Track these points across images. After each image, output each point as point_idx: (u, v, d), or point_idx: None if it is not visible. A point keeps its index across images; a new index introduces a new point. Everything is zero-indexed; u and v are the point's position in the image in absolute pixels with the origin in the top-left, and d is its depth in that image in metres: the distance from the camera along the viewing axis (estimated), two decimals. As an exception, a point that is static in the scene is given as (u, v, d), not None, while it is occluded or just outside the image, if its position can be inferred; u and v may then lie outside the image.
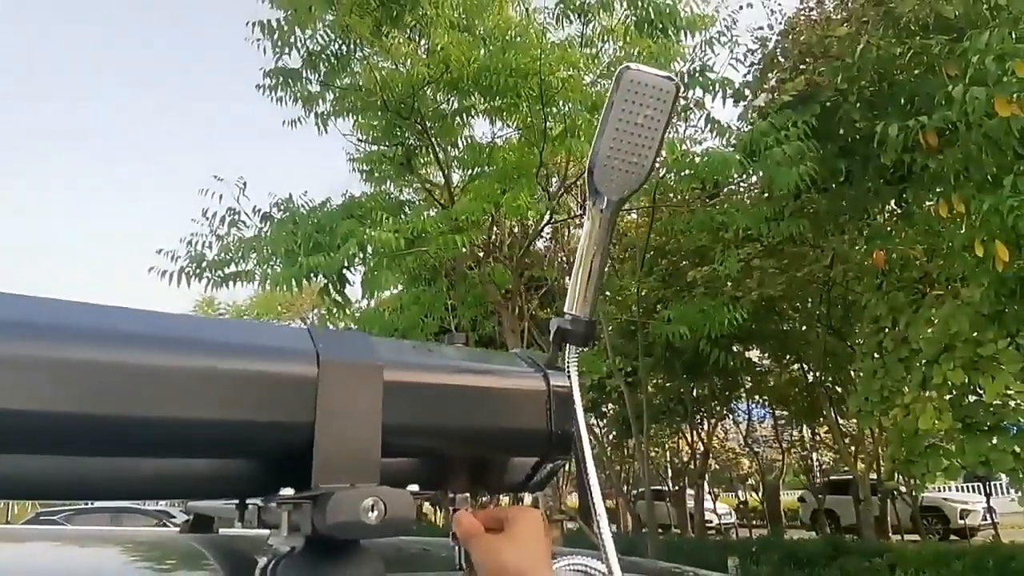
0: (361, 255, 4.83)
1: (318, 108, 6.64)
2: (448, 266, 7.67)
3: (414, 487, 0.55)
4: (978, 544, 10.70)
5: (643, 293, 8.95)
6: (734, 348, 12.20)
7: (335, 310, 5.70)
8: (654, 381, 11.53)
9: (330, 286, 5.26)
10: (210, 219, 5.83)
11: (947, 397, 4.59)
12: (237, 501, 0.67)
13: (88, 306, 0.50)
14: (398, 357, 0.62)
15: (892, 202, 5.54)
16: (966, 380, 4.41)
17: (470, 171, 7.66)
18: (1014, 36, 3.86)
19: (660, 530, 15.06)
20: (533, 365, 0.71)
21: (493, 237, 6.96)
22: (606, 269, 0.81)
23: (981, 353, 4.32)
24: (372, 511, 0.50)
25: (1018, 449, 4.39)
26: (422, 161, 7.92)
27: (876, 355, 5.69)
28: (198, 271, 5.84)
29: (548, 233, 9.84)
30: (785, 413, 15.01)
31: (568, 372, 0.72)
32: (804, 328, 11.30)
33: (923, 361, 4.89)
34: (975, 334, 4.53)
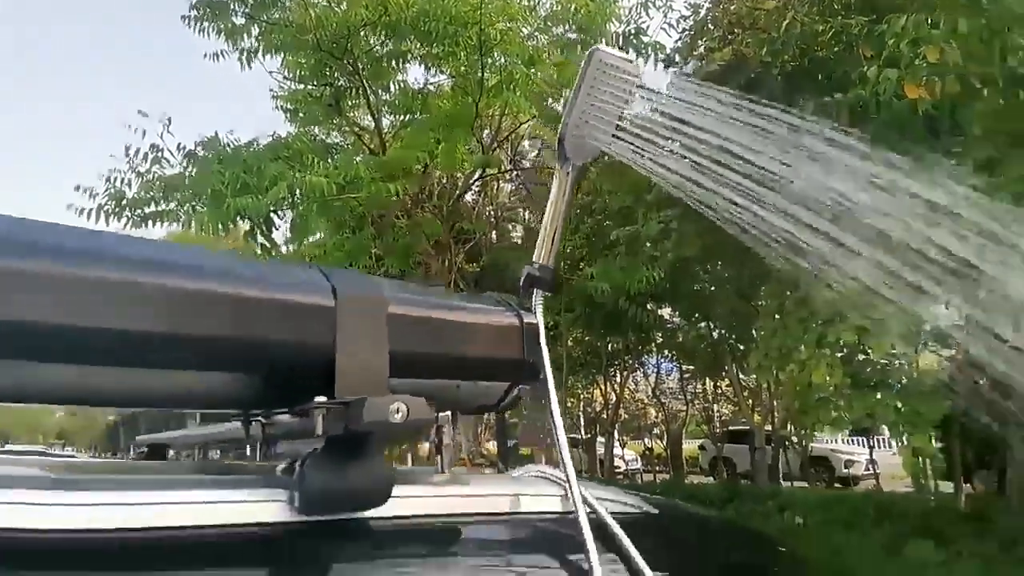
0: (290, 199, 4.74)
1: (243, 43, 6.37)
2: (375, 214, 7.60)
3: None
4: (860, 491, 11.82)
5: (568, 251, 9.19)
6: (648, 306, 12.78)
7: (260, 253, 5.58)
8: (574, 335, 11.95)
9: (256, 230, 5.15)
10: (131, 156, 5.56)
11: (839, 355, 5.02)
12: (242, 417, 0.75)
13: (153, 242, 0.58)
14: (399, 294, 0.71)
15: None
16: (857, 340, 4.85)
17: (402, 117, 7.54)
18: (930, 22, 4.14)
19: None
20: (508, 305, 0.82)
21: (424, 187, 6.95)
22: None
23: (871, 316, 4.75)
24: (398, 413, 0.60)
25: (899, 404, 4.88)
26: (351, 104, 7.73)
27: (777, 315, 6.11)
28: (117, 209, 5.57)
29: (477, 186, 9.87)
30: (691, 368, 15.83)
31: (535, 312, 0.84)
32: (714, 289, 11.92)
33: (819, 322, 5.30)
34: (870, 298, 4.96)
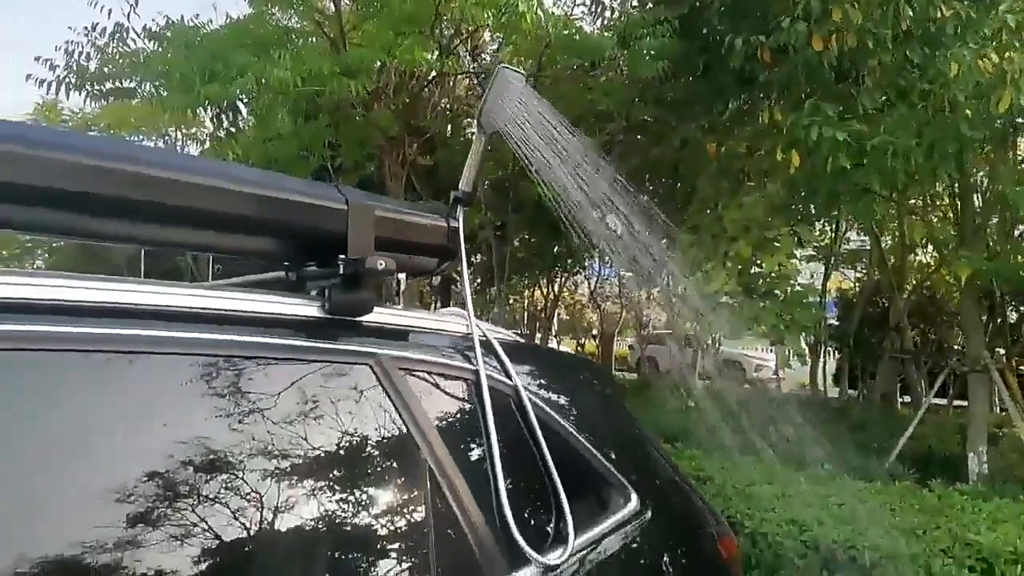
0: (256, 88, 5.05)
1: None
2: (331, 104, 7.83)
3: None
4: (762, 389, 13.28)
5: (514, 156, 9.60)
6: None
7: (225, 137, 5.88)
8: (520, 236, 12.53)
9: (223, 116, 5.45)
10: (92, 32, 5.65)
11: (738, 268, 5.83)
12: (287, 267, 1.34)
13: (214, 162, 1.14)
14: (380, 203, 1.31)
15: (733, 103, 6.45)
16: (751, 255, 5.64)
17: (361, 8, 7.64)
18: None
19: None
20: (440, 214, 1.43)
21: (381, 83, 7.22)
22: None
23: (767, 236, 5.53)
24: (381, 265, 1.20)
25: (779, 312, 5.76)
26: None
27: (695, 230, 6.85)
28: (79, 82, 5.72)
29: (435, 82, 10.04)
30: (630, 274, 16.85)
31: (458, 219, 1.45)
32: (656, 200, 12.69)
33: (729, 238, 6.07)
34: (769, 220, 5.72)
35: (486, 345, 1.41)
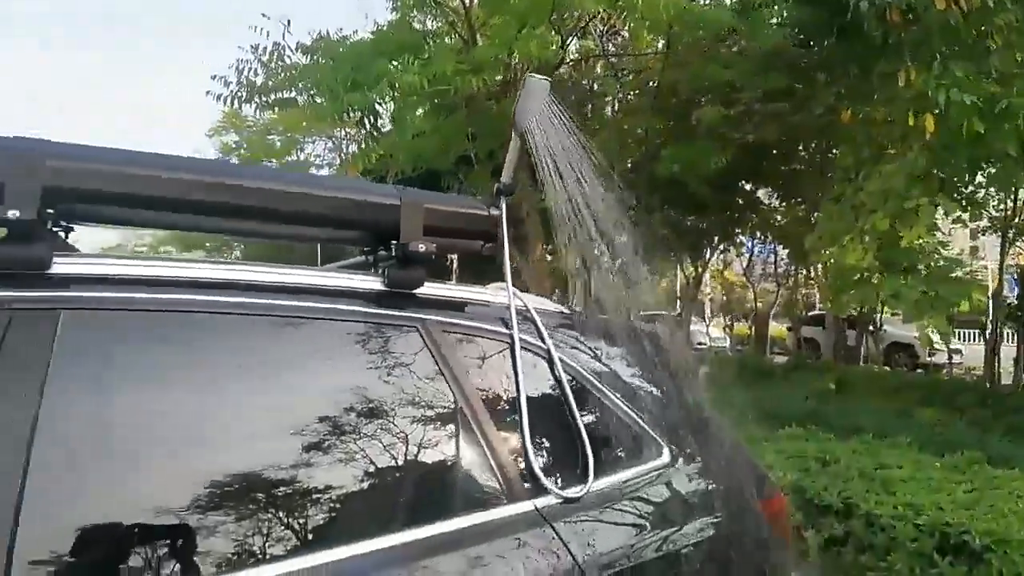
0: (391, 93, 5.57)
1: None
2: (466, 98, 8.29)
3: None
4: (914, 374, 12.19)
5: (648, 133, 9.56)
6: (745, 187, 12.92)
7: (370, 141, 6.52)
8: (659, 214, 12.32)
9: (365, 120, 6.06)
10: (256, 51, 6.51)
11: (877, 240, 5.49)
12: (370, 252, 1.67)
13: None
14: (430, 198, 1.59)
15: (868, 67, 6.05)
16: (892, 227, 5.30)
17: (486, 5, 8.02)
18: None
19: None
20: (484, 204, 1.68)
21: (509, 74, 7.55)
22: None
23: (906, 207, 5.18)
24: (425, 248, 1.48)
25: (924, 288, 5.37)
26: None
27: (836, 201, 6.52)
28: (249, 95, 6.62)
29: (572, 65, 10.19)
30: (787, 250, 15.94)
31: (500, 207, 1.69)
32: (805, 170, 12.01)
33: (868, 210, 5.74)
34: (909, 191, 5.35)
35: (524, 313, 1.64)
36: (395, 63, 5.50)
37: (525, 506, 1.41)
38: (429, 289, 1.57)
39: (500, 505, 1.40)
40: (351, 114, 6.00)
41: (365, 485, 1.33)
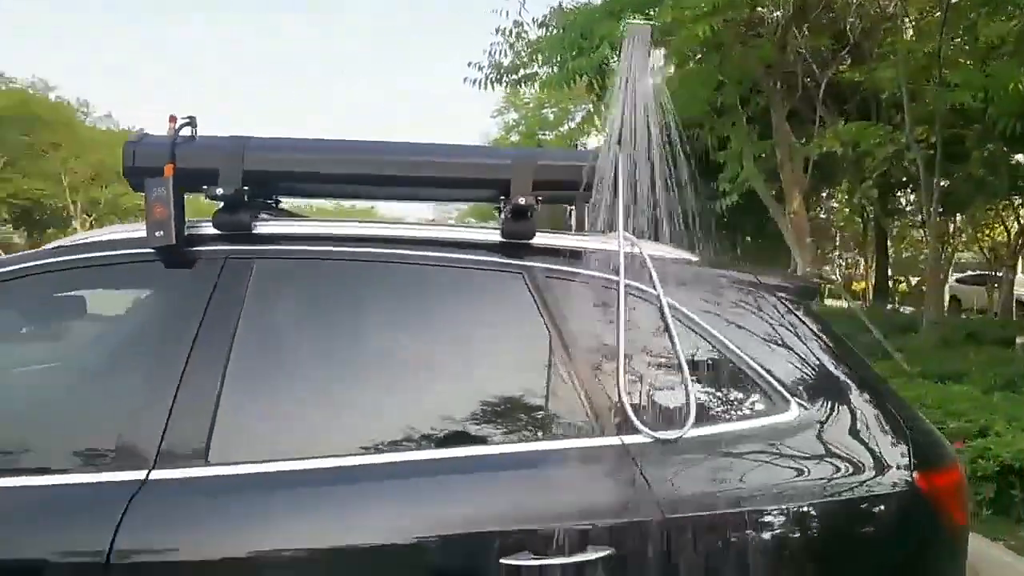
0: (614, 55, 5.57)
1: None
2: (713, 45, 7.85)
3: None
4: None
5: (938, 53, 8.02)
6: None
7: (598, 103, 6.62)
8: (966, 155, 10.28)
9: (594, 83, 6.17)
10: (500, 32, 7.00)
11: None
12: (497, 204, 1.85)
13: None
14: (543, 156, 1.71)
15: None
16: None
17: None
18: None
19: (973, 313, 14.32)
20: (588, 156, 1.74)
21: (755, 12, 6.98)
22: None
23: None
24: (531, 199, 1.63)
25: None
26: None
27: None
28: (498, 77, 7.16)
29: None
30: None
31: (615, 158, 1.74)
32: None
33: None
34: None
35: (638, 261, 1.66)
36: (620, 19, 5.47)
37: (612, 440, 1.48)
38: (542, 239, 1.70)
39: (588, 436, 1.50)
40: (578, 80, 6.15)
41: (470, 405, 1.56)
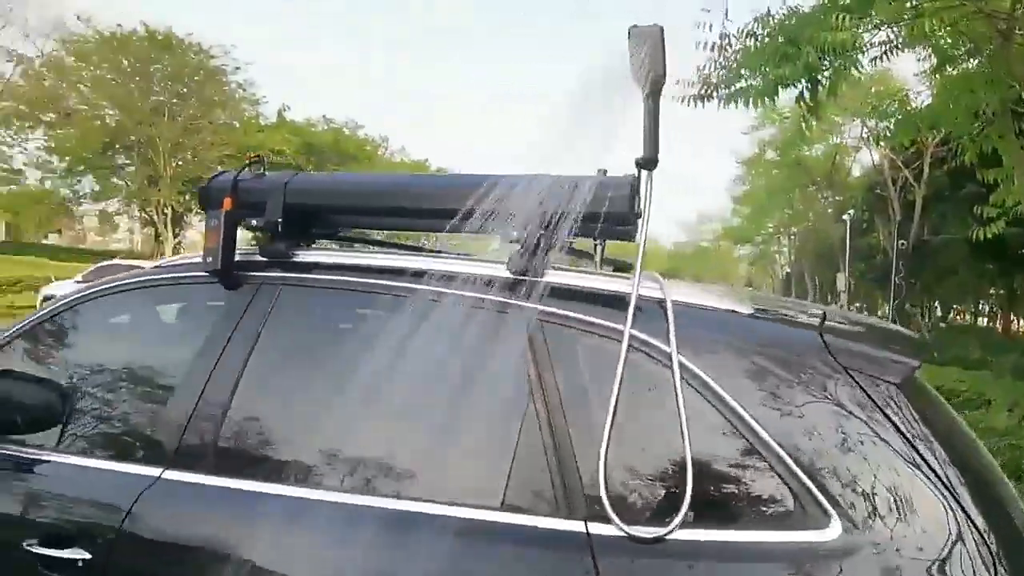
0: (827, 59, 4.85)
1: None
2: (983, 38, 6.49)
3: None
4: None
5: None
6: None
7: (809, 116, 5.82)
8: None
9: (804, 92, 5.42)
10: (705, 47, 6.50)
11: None
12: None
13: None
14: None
15: None
16: None
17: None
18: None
19: None
20: (630, 182, 1.48)
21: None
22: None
23: None
24: (538, 235, 1.44)
25: None
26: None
27: None
28: (707, 93, 6.68)
29: None
30: None
31: (638, 184, 1.46)
32: None
33: None
34: None
35: (659, 308, 1.37)
36: (831, 21, 4.77)
37: (573, 526, 1.23)
38: (550, 277, 1.51)
39: (546, 515, 1.27)
40: (781, 90, 5.44)
41: (417, 451, 1.49)
